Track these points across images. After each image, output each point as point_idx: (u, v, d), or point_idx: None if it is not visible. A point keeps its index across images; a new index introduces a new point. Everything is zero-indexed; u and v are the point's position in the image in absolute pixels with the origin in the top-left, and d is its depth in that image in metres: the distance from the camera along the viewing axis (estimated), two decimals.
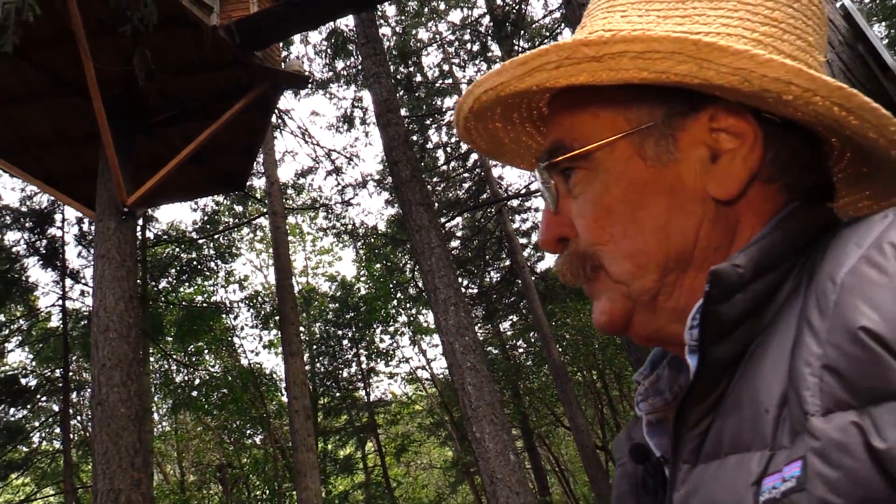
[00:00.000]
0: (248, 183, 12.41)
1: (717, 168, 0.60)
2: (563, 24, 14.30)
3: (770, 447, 0.47)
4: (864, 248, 0.47)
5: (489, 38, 15.68)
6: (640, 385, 0.68)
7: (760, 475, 0.47)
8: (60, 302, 13.67)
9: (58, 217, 13.67)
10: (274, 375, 19.27)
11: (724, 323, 0.53)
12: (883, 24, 15.02)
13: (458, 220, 18.30)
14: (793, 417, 0.45)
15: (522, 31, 14.01)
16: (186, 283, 17.58)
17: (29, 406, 14.27)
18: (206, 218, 16.79)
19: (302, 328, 16.86)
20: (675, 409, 0.57)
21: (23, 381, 14.18)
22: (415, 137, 16.64)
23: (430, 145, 17.68)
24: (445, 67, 17.68)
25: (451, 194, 18.57)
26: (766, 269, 0.54)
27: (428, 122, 17.25)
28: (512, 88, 0.62)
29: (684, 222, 0.60)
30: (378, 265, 19.87)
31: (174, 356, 17.60)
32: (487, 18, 15.48)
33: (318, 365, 19.44)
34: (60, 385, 13.49)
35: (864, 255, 0.46)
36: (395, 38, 16.66)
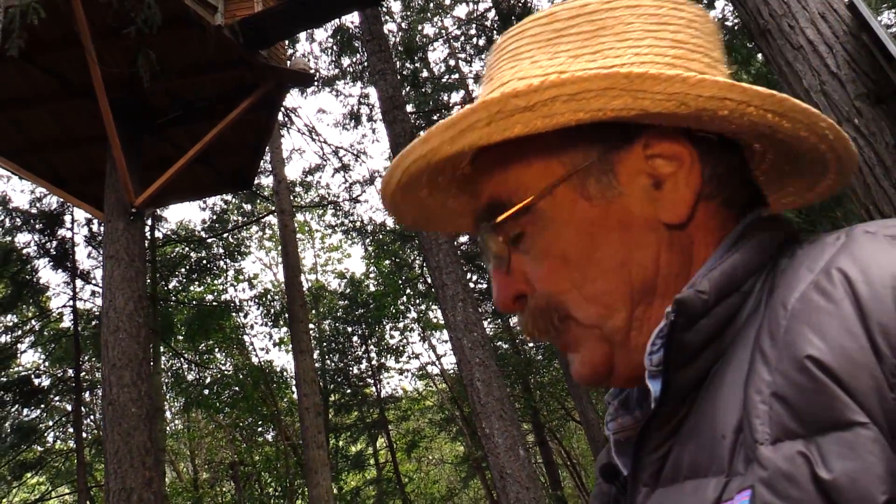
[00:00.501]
0: (255, 181, 12.46)
1: (663, 194, 0.59)
2: None
3: (726, 473, 0.47)
4: (814, 272, 0.47)
5: (495, 32, 15.63)
6: (609, 405, 0.68)
7: (715, 501, 0.46)
8: (71, 303, 13.75)
9: (67, 218, 13.74)
10: (284, 373, 19.34)
11: (688, 349, 0.53)
12: (893, 11, 14.85)
13: None
14: (746, 445, 0.45)
15: None
16: (196, 283, 17.65)
17: (42, 406, 14.37)
18: (214, 217, 16.85)
19: (312, 325, 16.92)
20: (637, 433, 0.57)
21: (36, 381, 14.29)
22: (421, 133, 16.62)
23: None
24: (451, 63, 17.63)
25: None
26: (730, 291, 0.54)
27: (434, 117, 17.19)
28: (443, 153, 0.59)
29: (642, 254, 0.59)
30: (387, 262, 19.87)
31: (185, 355, 17.69)
32: (493, 13, 15.44)
33: (328, 362, 19.48)
34: (73, 385, 13.58)
35: (814, 281, 0.46)
36: (400, 33, 16.64)
